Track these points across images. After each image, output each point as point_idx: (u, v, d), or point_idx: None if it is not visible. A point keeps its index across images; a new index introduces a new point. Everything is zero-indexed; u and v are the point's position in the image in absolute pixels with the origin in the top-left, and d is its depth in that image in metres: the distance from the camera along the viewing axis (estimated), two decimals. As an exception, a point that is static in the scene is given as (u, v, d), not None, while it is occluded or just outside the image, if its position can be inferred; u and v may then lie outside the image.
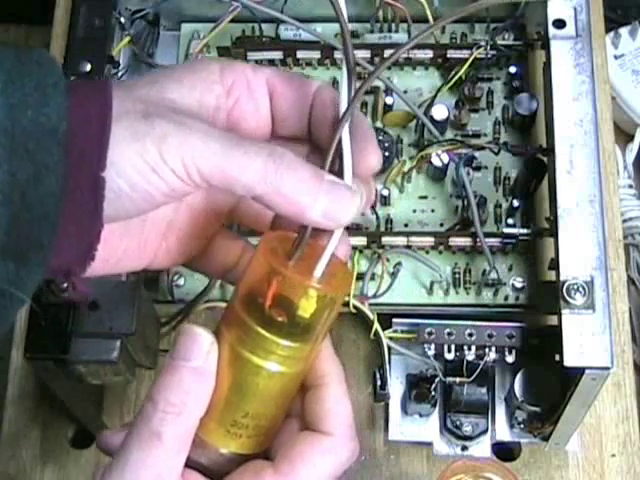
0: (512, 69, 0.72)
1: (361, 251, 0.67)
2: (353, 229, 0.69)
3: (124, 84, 0.41)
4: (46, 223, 0.38)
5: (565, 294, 0.57)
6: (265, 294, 0.40)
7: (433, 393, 0.66)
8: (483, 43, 0.70)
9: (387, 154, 0.70)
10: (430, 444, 0.69)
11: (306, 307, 0.41)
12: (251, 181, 0.39)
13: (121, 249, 0.45)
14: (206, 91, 0.43)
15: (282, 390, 0.43)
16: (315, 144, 0.45)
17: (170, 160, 0.39)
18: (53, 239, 0.38)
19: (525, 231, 0.66)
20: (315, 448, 0.43)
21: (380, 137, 0.71)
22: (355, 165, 0.42)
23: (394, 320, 0.64)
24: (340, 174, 0.41)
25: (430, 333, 0.63)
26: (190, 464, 0.42)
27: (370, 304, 0.66)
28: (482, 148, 0.68)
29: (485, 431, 0.68)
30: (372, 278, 0.67)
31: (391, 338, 0.64)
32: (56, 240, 0.38)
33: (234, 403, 0.42)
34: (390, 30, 0.74)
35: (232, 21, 0.70)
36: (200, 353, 0.42)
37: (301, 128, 0.45)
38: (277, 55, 0.72)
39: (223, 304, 0.66)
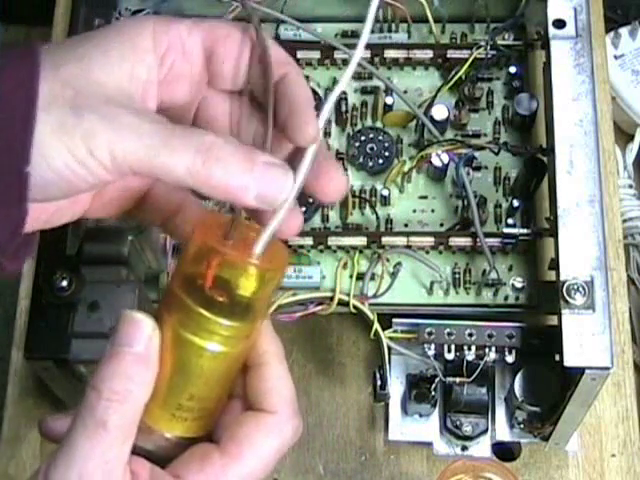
0: (512, 69, 0.72)
1: (361, 251, 0.67)
2: (353, 229, 0.69)
3: (52, 58, 0.40)
4: None
5: (565, 294, 0.57)
6: (204, 275, 0.40)
7: (433, 393, 0.66)
8: (483, 43, 0.70)
9: (387, 154, 0.70)
10: (430, 444, 0.69)
11: (246, 286, 0.41)
12: (181, 175, 0.40)
13: (52, 209, 0.44)
14: (137, 62, 0.42)
15: (226, 370, 0.43)
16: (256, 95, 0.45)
17: (99, 155, 0.39)
18: None
19: (525, 231, 0.66)
20: (260, 427, 0.43)
21: (380, 137, 0.71)
22: (292, 137, 0.42)
23: (394, 320, 0.64)
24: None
25: (430, 333, 0.63)
26: (136, 450, 0.42)
27: (370, 304, 0.66)
28: (482, 148, 0.68)
29: (485, 431, 0.68)
30: (372, 278, 0.67)
31: (391, 338, 0.64)
32: None
33: (178, 386, 0.42)
34: (390, 30, 0.74)
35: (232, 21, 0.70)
36: (142, 339, 0.41)
37: (239, 83, 0.45)
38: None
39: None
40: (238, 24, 0.45)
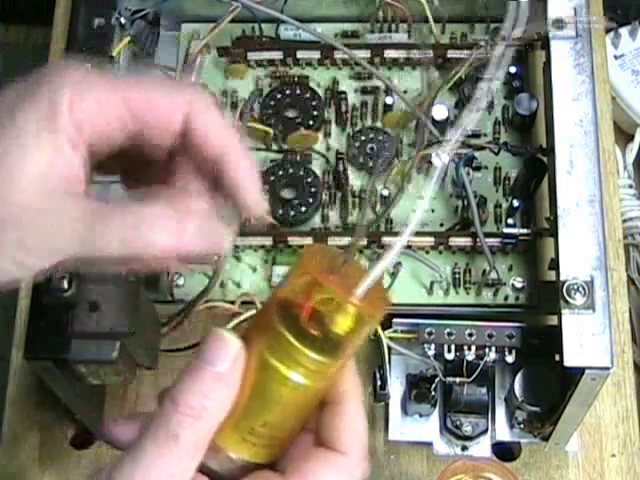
0: (512, 69, 0.72)
1: (361, 251, 0.67)
2: (353, 229, 0.69)
3: None
4: None
5: (565, 294, 0.57)
6: (303, 306, 0.40)
7: (433, 393, 0.66)
8: (483, 43, 0.70)
9: (387, 154, 0.70)
10: (430, 444, 0.69)
11: (342, 324, 0.41)
12: (113, 252, 0.40)
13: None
14: (55, 157, 0.41)
15: (303, 403, 0.43)
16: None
17: (35, 253, 0.40)
18: None
19: (525, 231, 0.66)
20: (329, 465, 0.42)
21: (380, 137, 0.71)
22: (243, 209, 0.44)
23: (394, 320, 0.64)
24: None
25: (430, 333, 0.63)
26: (199, 468, 0.42)
27: (370, 304, 0.66)
28: (482, 148, 0.68)
29: (485, 431, 0.68)
30: (372, 278, 0.67)
31: (391, 338, 0.64)
32: None
33: (254, 411, 0.42)
34: (390, 30, 0.74)
35: (232, 21, 0.70)
36: (227, 359, 0.41)
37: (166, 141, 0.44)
38: (277, 55, 0.72)
39: (223, 304, 0.66)
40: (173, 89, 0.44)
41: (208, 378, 0.41)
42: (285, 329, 0.41)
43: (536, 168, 0.67)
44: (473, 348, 0.63)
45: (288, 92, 0.72)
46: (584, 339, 0.56)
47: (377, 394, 0.65)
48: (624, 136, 0.91)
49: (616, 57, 0.91)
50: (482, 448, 0.68)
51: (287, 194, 0.69)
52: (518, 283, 0.67)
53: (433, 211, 0.70)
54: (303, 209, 0.68)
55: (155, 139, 0.43)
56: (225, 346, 0.41)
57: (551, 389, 0.63)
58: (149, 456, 0.40)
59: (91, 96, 0.41)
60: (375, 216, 0.69)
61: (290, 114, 0.71)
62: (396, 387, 0.69)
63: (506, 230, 0.66)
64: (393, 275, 0.67)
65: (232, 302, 0.66)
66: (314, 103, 0.72)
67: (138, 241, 0.40)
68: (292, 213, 0.68)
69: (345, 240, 0.67)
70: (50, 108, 0.40)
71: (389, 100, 0.71)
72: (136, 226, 0.40)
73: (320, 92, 0.72)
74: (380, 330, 0.64)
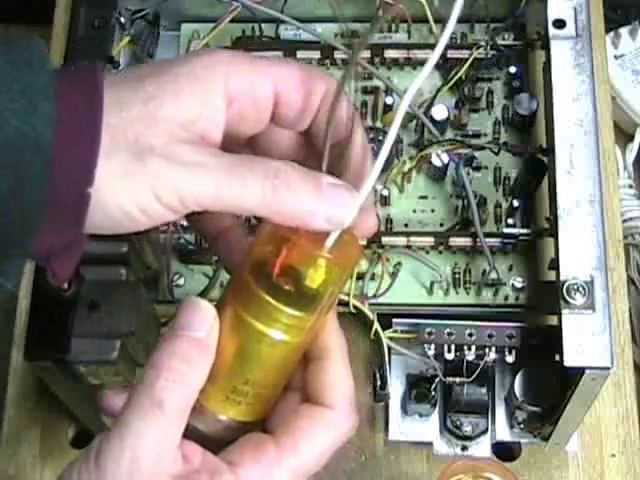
0: (512, 69, 0.72)
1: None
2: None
3: (116, 94, 0.39)
4: (28, 229, 0.38)
5: (565, 294, 0.57)
6: (274, 262, 0.41)
7: (433, 393, 0.66)
8: (483, 43, 0.70)
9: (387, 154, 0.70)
10: (430, 444, 0.69)
11: (314, 277, 0.41)
12: (251, 206, 0.40)
13: None
14: (206, 106, 0.41)
15: (284, 359, 0.43)
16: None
17: (167, 199, 0.39)
18: (35, 240, 0.38)
19: (525, 231, 0.66)
20: (317, 421, 0.43)
21: (380, 137, 0.71)
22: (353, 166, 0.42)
23: (394, 320, 0.64)
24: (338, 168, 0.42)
25: (430, 333, 0.63)
26: (187, 431, 0.42)
27: (370, 304, 0.66)
28: (482, 148, 0.68)
29: (485, 431, 0.68)
30: (372, 278, 0.67)
31: (391, 338, 0.64)
32: (39, 240, 0.38)
33: (235, 370, 0.42)
34: (390, 30, 0.74)
35: (232, 21, 0.70)
36: (203, 325, 0.42)
37: (304, 126, 0.45)
38: (277, 55, 0.72)
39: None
40: (315, 72, 0.44)
41: (186, 344, 0.41)
42: (258, 286, 0.41)
43: (536, 168, 0.67)
44: (473, 348, 0.63)
45: (288, 92, 0.72)
46: (584, 339, 0.56)
47: (377, 394, 0.65)
48: (624, 136, 0.91)
49: (616, 57, 0.91)
50: (482, 448, 0.68)
51: (287, 194, 0.69)
52: (518, 283, 0.67)
53: (433, 211, 0.70)
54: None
55: (290, 120, 0.44)
56: (201, 313, 0.42)
57: (551, 389, 0.63)
58: (135, 427, 0.40)
59: (245, 76, 0.42)
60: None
61: (290, 114, 0.71)
62: (396, 387, 0.69)
63: (506, 230, 0.66)
64: (393, 275, 0.67)
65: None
66: (314, 103, 0.72)
67: (279, 195, 0.39)
68: (292, 213, 0.68)
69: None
70: (208, 66, 0.41)
71: (389, 100, 0.71)
72: (277, 176, 0.40)
73: (320, 92, 0.72)
74: (380, 330, 0.64)
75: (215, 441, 0.43)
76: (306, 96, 0.43)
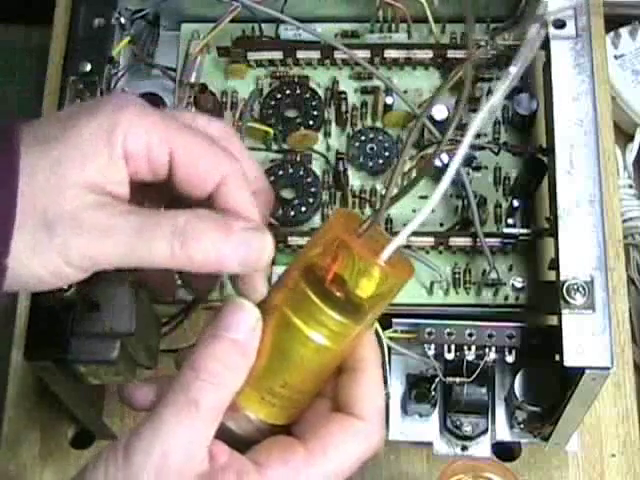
0: (512, 69, 0.71)
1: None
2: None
3: (26, 159, 0.40)
4: None
5: (565, 294, 0.57)
6: (328, 267, 0.41)
7: (433, 393, 0.66)
8: (483, 43, 0.70)
9: (387, 154, 0.70)
10: (430, 444, 0.69)
11: (366, 287, 0.41)
12: (160, 262, 0.40)
13: None
14: (108, 167, 0.42)
15: (323, 366, 0.43)
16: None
17: (76, 262, 0.40)
18: None
19: (525, 231, 0.66)
20: (347, 430, 0.43)
21: (380, 137, 0.71)
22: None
23: (394, 320, 0.64)
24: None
25: (430, 333, 0.63)
26: (217, 429, 0.42)
27: (370, 304, 0.66)
28: (482, 148, 0.68)
29: (485, 431, 0.68)
30: (372, 278, 0.67)
31: (391, 338, 0.64)
32: None
33: (275, 371, 0.42)
34: (390, 30, 0.74)
35: (232, 21, 0.70)
36: (245, 327, 0.42)
37: (197, 193, 0.45)
38: (277, 55, 0.72)
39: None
40: (222, 154, 0.44)
41: (226, 346, 0.41)
42: (309, 289, 0.41)
43: (536, 168, 0.67)
44: (473, 348, 0.63)
45: (288, 92, 0.72)
46: (584, 339, 0.56)
47: (377, 394, 0.65)
48: (624, 136, 0.91)
49: (616, 57, 0.91)
50: (482, 448, 0.68)
51: (287, 194, 0.69)
52: (518, 283, 0.67)
53: (433, 211, 0.70)
54: (303, 209, 0.68)
55: (188, 190, 0.44)
56: (242, 313, 0.42)
57: (551, 389, 0.63)
58: (168, 423, 0.40)
59: (142, 138, 0.42)
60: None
61: (290, 114, 0.71)
62: (396, 387, 0.69)
63: (506, 230, 0.66)
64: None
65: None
66: (314, 103, 0.72)
67: (187, 249, 0.40)
68: (292, 213, 0.68)
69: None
70: (110, 124, 0.41)
71: (389, 100, 0.71)
72: (184, 231, 0.40)
73: (320, 92, 0.72)
74: (380, 330, 0.64)
75: (243, 441, 0.43)
76: (203, 174, 0.44)
